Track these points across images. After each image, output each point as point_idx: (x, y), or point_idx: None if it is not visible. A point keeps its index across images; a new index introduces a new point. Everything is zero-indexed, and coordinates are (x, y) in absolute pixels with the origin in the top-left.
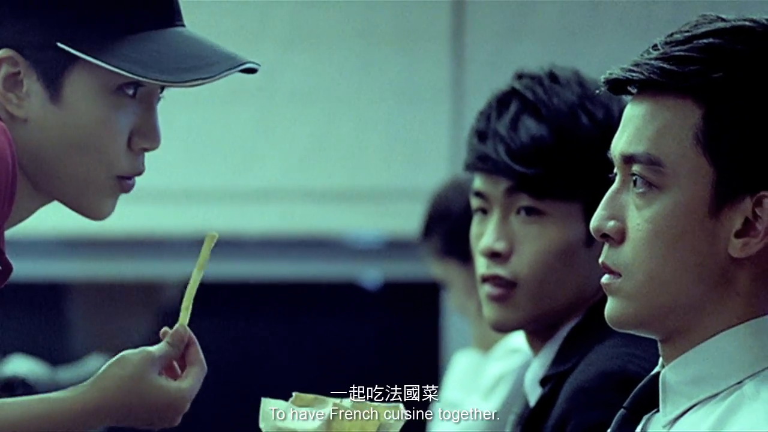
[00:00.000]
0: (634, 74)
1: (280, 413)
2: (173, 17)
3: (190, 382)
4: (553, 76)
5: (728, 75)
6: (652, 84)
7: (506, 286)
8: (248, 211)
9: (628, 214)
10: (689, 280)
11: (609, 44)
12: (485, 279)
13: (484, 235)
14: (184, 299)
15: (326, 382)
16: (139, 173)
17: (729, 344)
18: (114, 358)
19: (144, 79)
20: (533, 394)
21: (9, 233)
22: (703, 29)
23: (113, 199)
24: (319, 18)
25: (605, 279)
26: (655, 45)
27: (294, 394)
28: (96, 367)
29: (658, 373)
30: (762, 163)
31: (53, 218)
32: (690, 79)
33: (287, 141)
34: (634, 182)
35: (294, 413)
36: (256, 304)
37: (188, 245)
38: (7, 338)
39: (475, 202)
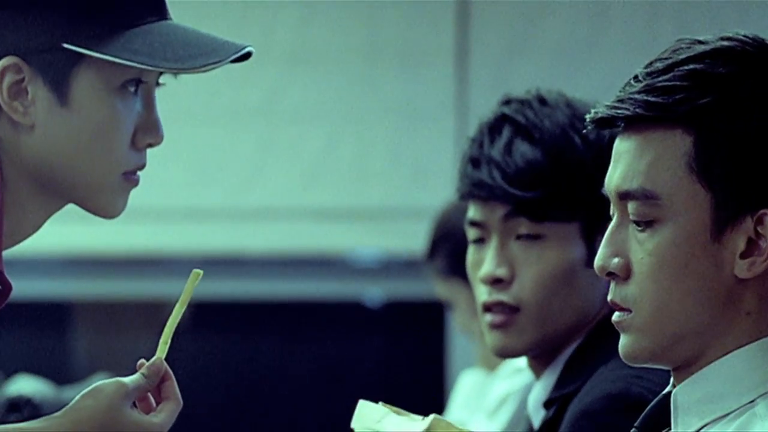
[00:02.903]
0: (619, 111)
1: (377, 417)
2: (165, 10)
3: (163, 417)
4: (541, 99)
5: (714, 99)
6: (639, 119)
7: (509, 312)
8: (251, 230)
9: (630, 248)
10: (698, 307)
11: (612, 62)
12: (488, 307)
13: (485, 262)
14: (164, 333)
15: (329, 401)
16: (143, 166)
17: (740, 363)
18: (87, 389)
19: (156, 68)
20: (537, 416)
21: (11, 252)
22: (683, 55)
23: (124, 195)
24: (322, 37)
25: (616, 317)
26: (636, 76)
27: (381, 403)
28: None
29: (669, 393)
30: (758, 181)
31: (57, 237)
32: (676, 109)
33: (290, 160)
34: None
35: (390, 419)
36: (258, 323)
37: (192, 264)
38: (12, 358)
39: (471, 232)
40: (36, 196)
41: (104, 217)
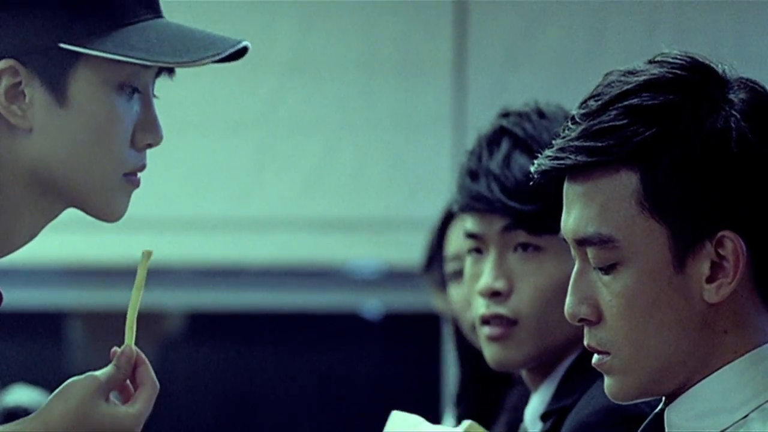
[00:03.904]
0: (562, 161)
1: (413, 423)
2: (159, 8)
3: (139, 405)
4: (540, 112)
5: (651, 133)
6: (582, 166)
7: (507, 325)
8: (248, 241)
9: (597, 292)
10: (675, 339)
11: None
12: (485, 320)
13: (482, 275)
14: (128, 319)
15: (327, 413)
16: (143, 167)
17: (730, 379)
18: (58, 389)
19: (154, 63)
20: (534, 429)
21: (8, 261)
22: (616, 90)
23: (126, 197)
24: (320, 48)
25: (596, 360)
26: (573, 118)
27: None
28: None
29: (662, 411)
30: (710, 204)
31: (55, 247)
32: (616, 150)
33: (287, 171)
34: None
35: (425, 426)
36: (256, 333)
37: (189, 275)
38: (9, 368)
39: (468, 244)
40: (32, 202)
41: (106, 219)
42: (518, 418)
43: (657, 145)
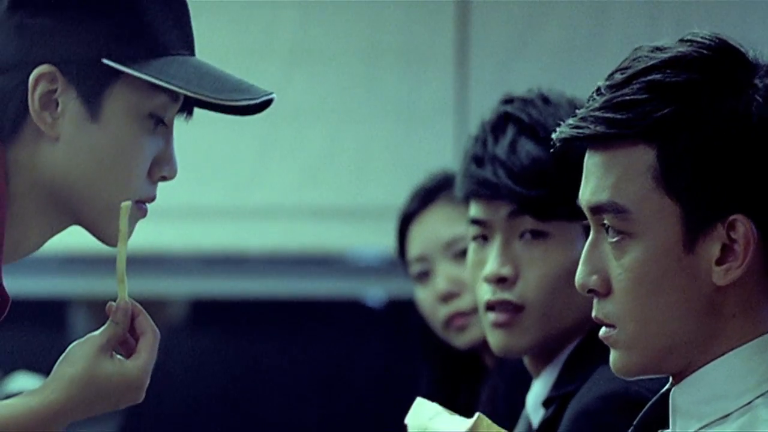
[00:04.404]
0: (581, 131)
1: (430, 414)
2: (194, 47)
3: (143, 356)
4: (544, 98)
5: (672, 110)
6: (601, 137)
7: (513, 311)
8: (252, 229)
9: (608, 264)
10: (681, 318)
11: (613, 62)
12: (491, 306)
13: (488, 261)
14: (118, 274)
15: (330, 400)
16: (153, 199)
17: (737, 364)
18: (62, 356)
19: (195, 95)
20: (536, 415)
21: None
22: (641, 65)
23: (132, 224)
24: (323, 36)
25: (602, 332)
26: (599, 89)
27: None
28: None
29: (667, 392)
30: (725, 187)
31: (57, 235)
32: (636, 124)
33: (291, 159)
34: (607, 231)
35: (441, 418)
36: (258, 321)
37: (192, 262)
38: (11, 355)
39: (473, 230)
40: (42, 214)
41: (108, 243)
42: (494, 412)
43: (675, 122)
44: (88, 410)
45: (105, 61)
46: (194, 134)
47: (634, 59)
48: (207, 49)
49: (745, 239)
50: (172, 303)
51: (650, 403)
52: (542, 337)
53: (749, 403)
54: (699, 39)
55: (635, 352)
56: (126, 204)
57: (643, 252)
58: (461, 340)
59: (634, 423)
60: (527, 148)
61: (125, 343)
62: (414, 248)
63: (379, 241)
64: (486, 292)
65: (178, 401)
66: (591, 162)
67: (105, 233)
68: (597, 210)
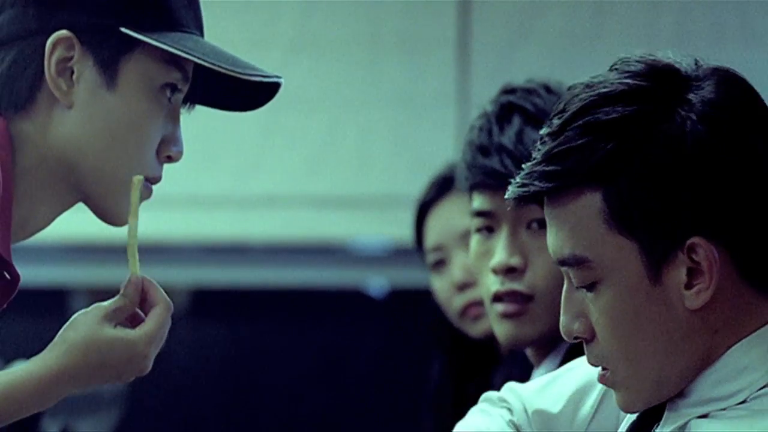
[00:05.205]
0: (527, 189)
1: None
2: (203, 30)
3: (150, 324)
4: (547, 88)
5: (607, 150)
6: (545, 192)
7: (523, 301)
8: (253, 218)
9: (587, 309)
10: (666, 349)
11: (613, 53)
12: (499, 296)
13: (495, 252)
14: (129, 249)
15: (331, 390)
16: (159, 180)
17: (738, 360)
18: (67, 323)
19: (212, 66)
20: None
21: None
22: (574, 107)
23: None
24: (324, 25)
25: (599, 376)
26: (542, 137)
27: None
28: None
29: None
30: (675, 213)
31: (59, 224)
32: (575, 173)
33: (292, 148)
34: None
35: None
36: (260, 311)
37: (194, 251)
38: (11, 345)
39: (477, 222)
40: (51, 189)
41: (112, 222)
42: None
43: (614, 161)
44: (91, 378)
45: (123, 29)
46: (195, 124)
47: (568, 101)
48: (209, 37)
49: (707, 261)
50: (173, 292)
51: None
52: (550, 327)
53: (743, 402)
54: (627, 68)
55: (633, 391)
56: (139, 178)
57: (613, 294)
58: (476, 329)
59: (635, 416)
60: (534, 137)
61: (135, 318)
62: (430, 237)
63: (381, 230)
64: (494, 283)
65: (180, 389)
66: (547, 215)
67: (112, 211)
68: (562, 263)
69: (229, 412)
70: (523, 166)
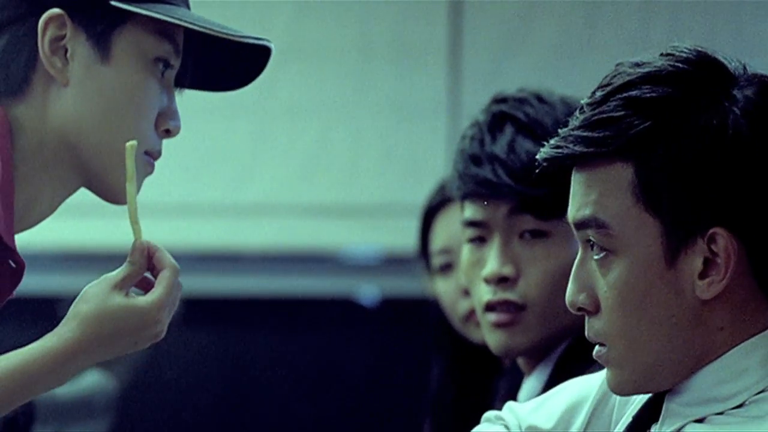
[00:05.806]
0: (561, 150)
1: None
2: (189, 6)
3: (161, 289)
4: (539, 97)
5: (647, 126)
6: (580, 156)
7: (515, 311)
8: (244, 226)
9: (595, 282)
10: (668, 334)
11: (606, 60)
12: (491, 306)
13: (488, 261)
14: (129, 216)
15: (322, 398)
16: (159, 154)
17: (719, 371)
18: (78, 297)
19: (204, 30)
20: None
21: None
22: (619, 81)
23: (139, 178)
24: (316, 33)
25: (596, 352)
26: (581, 107)
27: None
28: (93, 382)
29: (662, 393)
30: (702, 201)
31: (52, 232)
32: (611, 142)
33: (283, 156)
34: (592, 247)
35: None
36: (252, 319)
37: (185, 260)
38: (5, 353)
39: (468, 233)
40: (52, 172)
41: (114, 198)
42: None
43: (650, 139)
44: (106, 348)
45: (113, 2)
46: (187, 131)
47: (614, 75)
48: None
49: (725, 252)
50: None
51: (645, 400)
52: (542, 336)
53: (740, 405)
54: (677, 53)
55: (626, 371)
56: (131, 143)
57: (626, 268)
58: (480, 334)
59: (631, 418)
60: (526, 146)
61: (145, 283)
62: (437, 240)
63: (373, 238)
64: (486, 293)
65: (172, 398)
66: (575, 180)
67: (114, 187)
68: (581, 225)
69: (221, 420)
70: (559, 131)
